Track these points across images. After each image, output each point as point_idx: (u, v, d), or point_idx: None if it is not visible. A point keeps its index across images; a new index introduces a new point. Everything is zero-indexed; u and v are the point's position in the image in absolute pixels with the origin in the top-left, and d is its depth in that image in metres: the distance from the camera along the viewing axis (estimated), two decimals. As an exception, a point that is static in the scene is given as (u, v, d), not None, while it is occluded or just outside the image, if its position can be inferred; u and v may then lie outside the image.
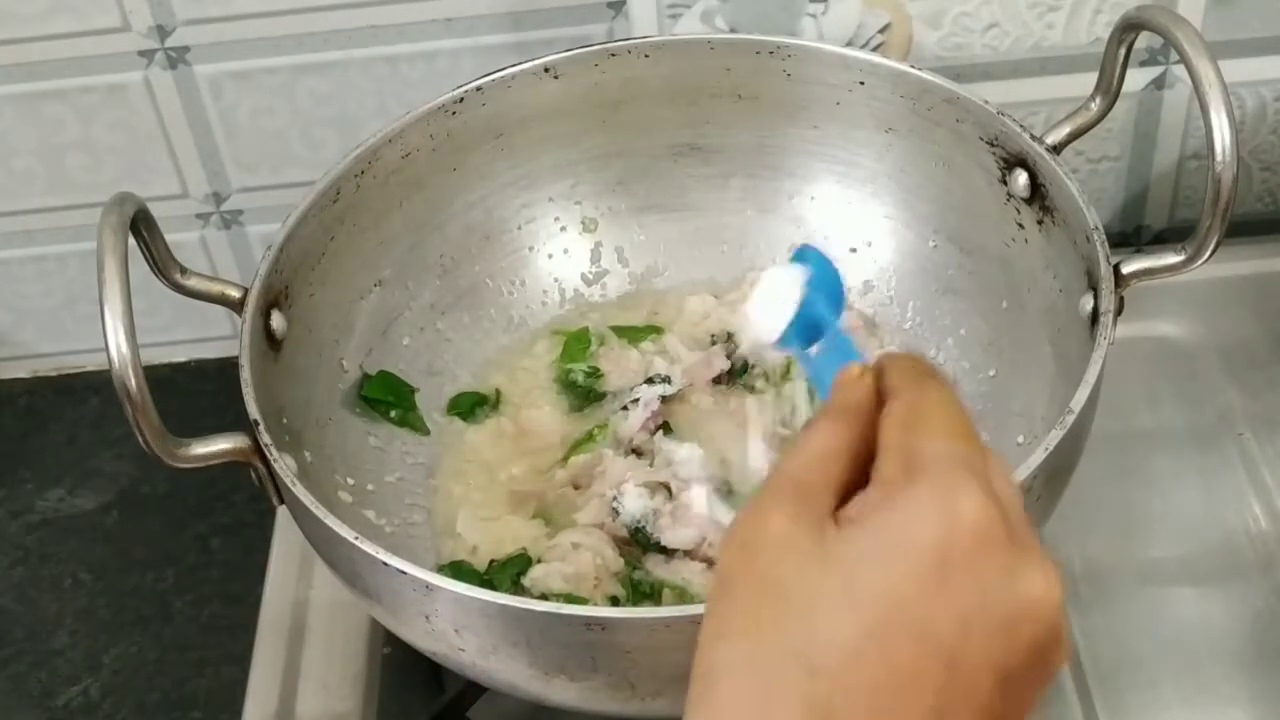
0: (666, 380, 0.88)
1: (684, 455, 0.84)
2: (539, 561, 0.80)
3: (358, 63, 0.96)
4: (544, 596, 0.78)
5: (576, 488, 0.84)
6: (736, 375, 0.90)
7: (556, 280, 0.95)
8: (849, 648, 0.44)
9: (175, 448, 0.69)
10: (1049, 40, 0.97)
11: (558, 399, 0.90)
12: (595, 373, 0.90)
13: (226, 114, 0.98)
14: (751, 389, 0.89)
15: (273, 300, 0.78)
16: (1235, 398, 0.93)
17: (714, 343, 0.91)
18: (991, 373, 0.86)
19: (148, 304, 0.99)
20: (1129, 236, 1.08)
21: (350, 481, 0.82)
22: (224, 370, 0.86)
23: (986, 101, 0.82)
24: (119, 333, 0.65)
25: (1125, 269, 0.73)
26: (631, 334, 0.92)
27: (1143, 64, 0.98)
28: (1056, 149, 0.79)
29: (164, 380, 1.06)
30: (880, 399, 0.51)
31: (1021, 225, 0.82)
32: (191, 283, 0.77)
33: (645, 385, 0.88)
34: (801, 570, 0.46)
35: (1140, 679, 0.81)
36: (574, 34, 0.95)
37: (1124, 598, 0.84)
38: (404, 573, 0.65)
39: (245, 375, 0.73)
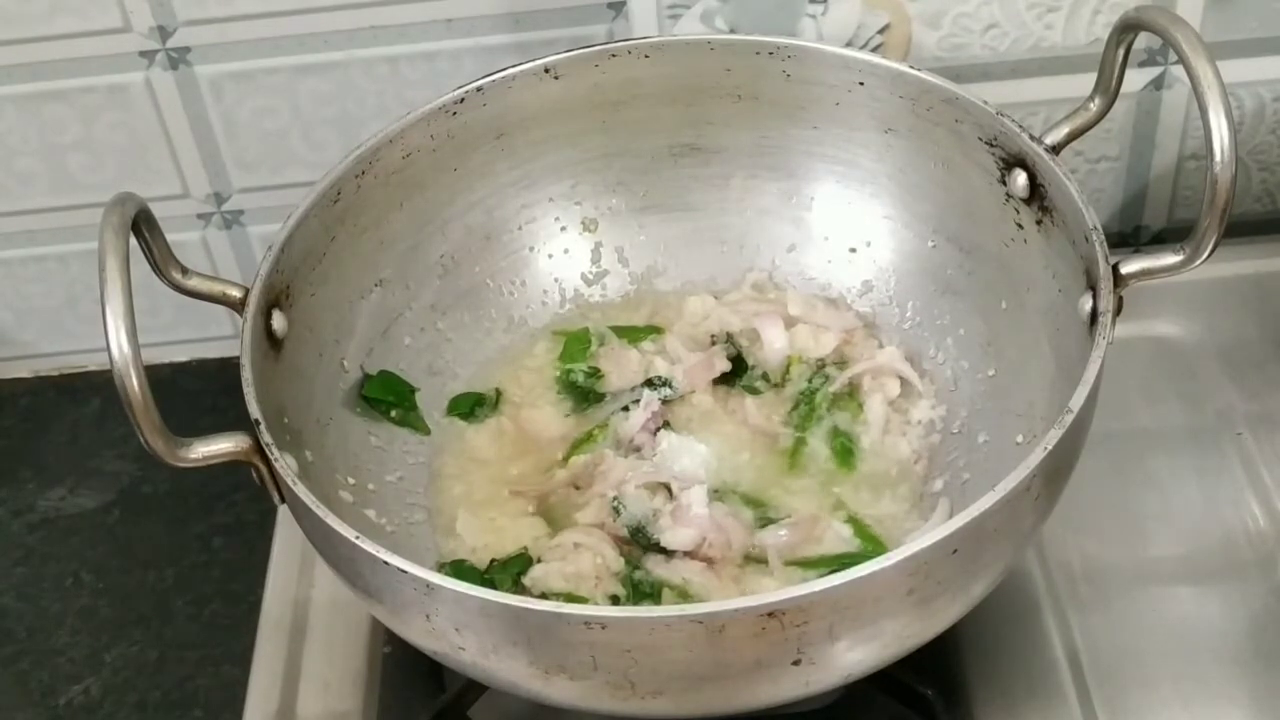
0: (668, 384, 0.88)
1: (686, 448, 0.84)
2: (539, 561, 0.81)
3: (359, 63, 0.96)
4: (544, 596, 0.78)
5: (577, 488, 0.85)
6: (737, 376, 0.90)
7: (557, 280, 0.95)
8: None
9: (176, 447, 0.69)
10: (1048, 41, 0.97)
11: (558, 399, 0.90)
12: (595, 373, 0.90)
13: (228, 114, 0.98)
14: (752, 390, 0.89)
15: (274, 300, 0.78)
16: (1234, 397, 0.93)
17: (714, 343, 0.91)
18: (991, 372, 0.86)
19: (149, 304, 0.99)
20: (1128, 236, 1.08)
21: (351, 481, 0.82)
22: (225, 370, 0.87)
23: (985, 102, 0.82)
24: (120, 332, 0.65)
25: (1124, 269, 0.73)
26: (631, 334, 0.92)
27: (1141, 64, 0.98)
28: (1055, 149, 0.79)
29: (165, 380, 1.06)
30: None
31: (1021, 225, 0.82)
32: (192, 283, 0.77)
33: (646, 389, 0.88)
34: None
35: (1139, 678, 0.81)
36: (574, 34, 0.95)
37: (1123, 597, 0.85)
38: (405, 572, 0.66)
39: (246, 375, 0.73)
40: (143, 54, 0.95)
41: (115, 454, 1.03)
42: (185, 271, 0.77)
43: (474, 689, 0.82)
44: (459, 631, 0.67)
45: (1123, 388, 0.91)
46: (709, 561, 0.79)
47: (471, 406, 0.90)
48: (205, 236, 1.04)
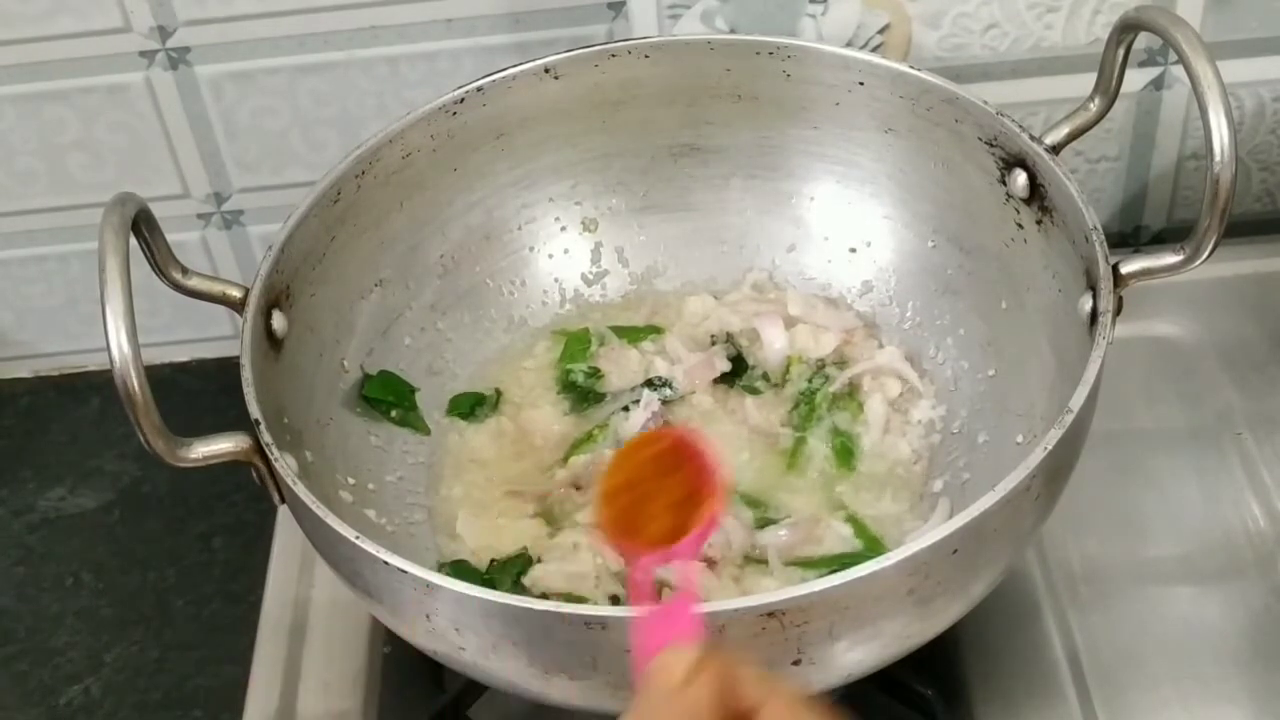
0: (668, 384, 0.88)
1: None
2: (539, 561, 0.81)
3: (358, 63, 0.96)
4: (544, 596, 0.78)
5: (577, 488, 0.85)
6: (737, 376, 0.90)
7: (557, 280, 0.95)
8: None
9: (176, 447, 0.69)
10: (1048, 41, 0.97)
11: (558, 399, 0.90)
12: (595, 373, 0.90)
13: (227, 114, 0.98)
14: (752, 390, 0.89)
15: (274, 300, 0.78)
16: (1234, 397, 0.93)
17: (714, 343, 0.91)
18: (991, 372, 0.86)
19: (149, 304, 0.99)
20: (1128, 236, 1.08)
21: (351, 481, 0.82)
22: (225, 370, 0.86)
23: (985, 102, 0.82)
24: (120, 332, 0.65)
25: (1124, 269, 0.73)
26: (632, 334, 0.92)
27: (1141, 64, 0.98)
28: (1055, 149, 0.79)
29: (165, 380, 1.06)
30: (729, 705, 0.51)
31: (1021, 225, 0.82)
32: (193, 283, 0.77)
33: (646, 389, 0.88)
34: None
35: (1139, 678, 0.81)
36: (574, 34, 0.95)
37: (1123, 597, 0.85)
38: (405, 572, 0.66)
39: (246, 375, 0.73)
40: (143, 54, 0.95)
41: (115, 454, 1.03)
42: (185, 271, 0.77)
43: (474, 689, 0.82)
44: (459, 631, 0.67)
45: (1123, 388, 0.91)
46: (709, 561, 0.79)
47: (471, 406, 0.90)
48: (205, 236, 1.04)
